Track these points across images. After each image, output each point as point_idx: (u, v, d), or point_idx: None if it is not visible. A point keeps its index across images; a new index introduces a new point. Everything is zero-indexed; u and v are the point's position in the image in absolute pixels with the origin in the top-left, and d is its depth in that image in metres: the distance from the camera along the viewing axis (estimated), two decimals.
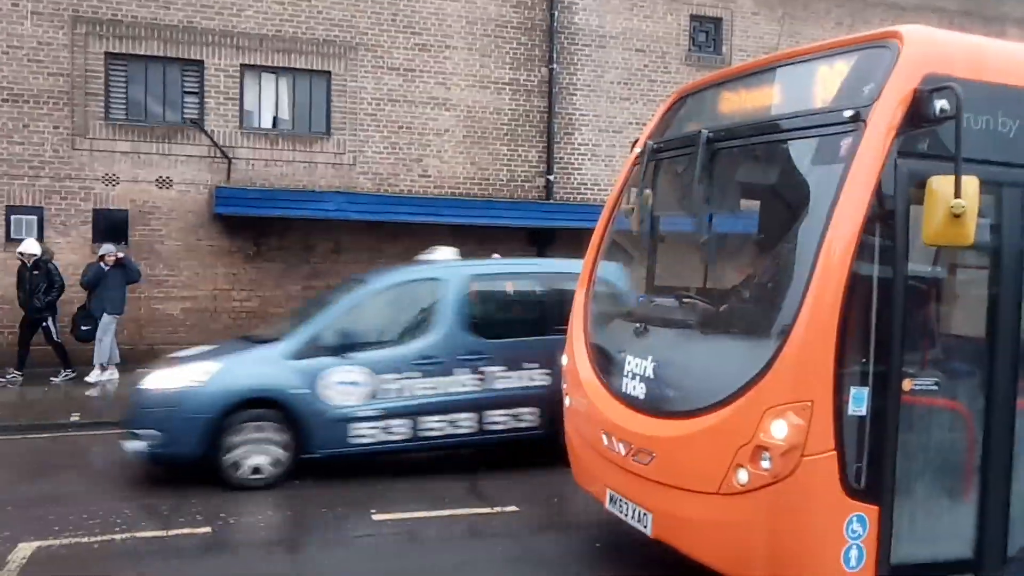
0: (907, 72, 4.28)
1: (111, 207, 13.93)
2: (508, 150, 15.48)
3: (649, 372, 5.09)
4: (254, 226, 14.43)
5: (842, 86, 4.52)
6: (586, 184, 15.83)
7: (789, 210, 4.65)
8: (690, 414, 4.69)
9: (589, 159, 15.82)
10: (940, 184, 4.08)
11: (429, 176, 15.20)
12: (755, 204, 5.60)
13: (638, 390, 5.17)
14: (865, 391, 4.23)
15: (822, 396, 4.17)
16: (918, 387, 4.36)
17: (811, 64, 4.79)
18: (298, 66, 14.70)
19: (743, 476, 4.32)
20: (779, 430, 4.19)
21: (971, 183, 4.05)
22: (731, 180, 5.44)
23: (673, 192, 5.88)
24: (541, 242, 15.51)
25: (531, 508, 6.99)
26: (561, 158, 15.65)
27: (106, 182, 13.87)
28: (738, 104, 5.35)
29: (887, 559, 4.30)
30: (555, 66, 15.43)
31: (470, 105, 15.28)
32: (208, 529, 6.41)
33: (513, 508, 6.99)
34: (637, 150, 6.17)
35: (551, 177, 15.53)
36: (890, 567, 4.31)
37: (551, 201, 15.47)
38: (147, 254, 14.11)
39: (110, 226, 13.90)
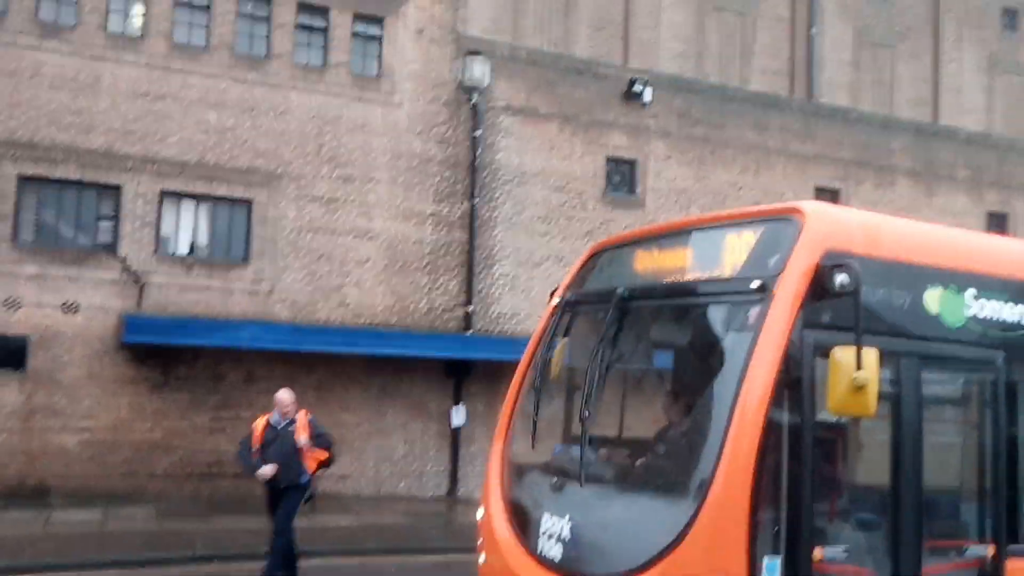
0: (809, 247, 4.51)
1: (8, 333, 13.35)
2: (428, 280, 15.59)
3: (565, 532, 5.02)
4: (163, 354, 14.03)
5: (749, 256, 4.73)
6: (505, 315, 15.98)
7: (700, 372, 4.77)
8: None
9: (508, 291, 16.04)
10: (843, 355, 4.24)
11: (348, 305, 15.13)
12: (671, 361, 5.71)
13: (555, 551, 5.07)
14: (777, 560, 4.25)
15: (736, 568, 4.16)
16: (828, 556, 4.40)
17: (721, 231, 5.01)
18: (220, 193, 14.68)
19: None
20: None
21: (871, 355, 4.22)
22: (644, 337, 5.57)
23: (588, 345, 5.97)
24: (458, 374, 15.47)
25: None
26: (480, 290, 15.83)
27: (6, 306, 13.35)
28: (652, 264, 5.53)
29: None
30: (476, 200, 15.79)
31: (392, 235, 15.44)
32: None
33: None
34: (555, 301, 6.28)
35: (470, 308, 15.64)
36: None
37: (470, 332, 15.54)
38: (46, 382, 13.51)
39: (7, 353, 13.30)
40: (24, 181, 13.63)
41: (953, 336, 4.85)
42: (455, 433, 15.40)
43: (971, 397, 5.06)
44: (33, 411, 13.46)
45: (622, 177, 16.99)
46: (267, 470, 8.64)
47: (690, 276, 5.11)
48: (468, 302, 15.68)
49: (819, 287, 4.44)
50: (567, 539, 5.01)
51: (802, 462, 4.34)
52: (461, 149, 15.93)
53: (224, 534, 11.15)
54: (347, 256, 15.19)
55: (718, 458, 4.26)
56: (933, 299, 4.81)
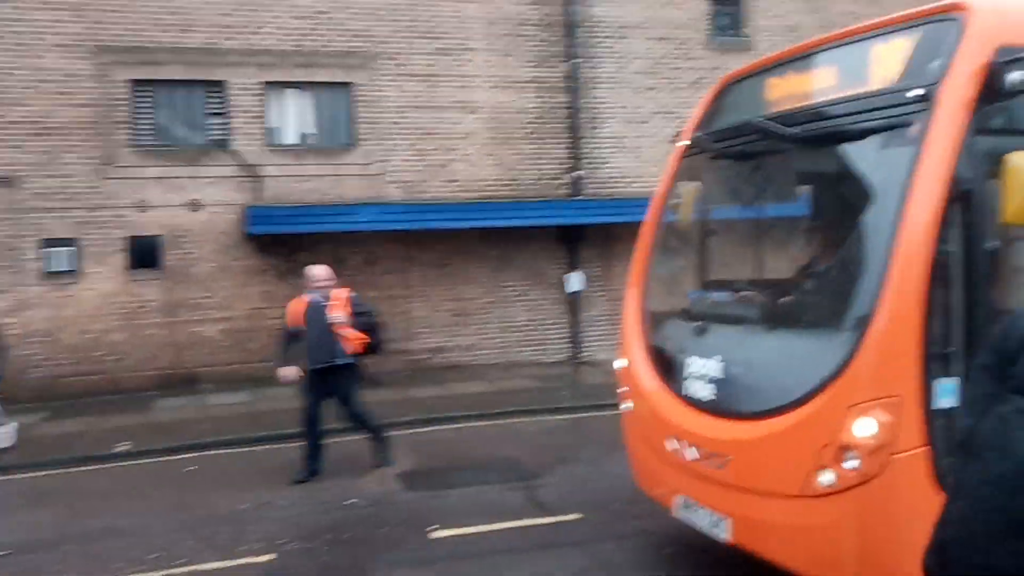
0: (977, 45, 4.06)
1: (144, 233, 13.90)
2: (534, 149, 15.29)
3: (717, 372, 4.90)
4: (286, 243, 14.36)
5: (904, 65, 4.31)
6: (615, 178, 15.61)
7: (857, 197, 4.44)
8: (766, 414, 4.49)
9: (617, 152, 15.60)
10: (1020, 160, 3.86)
11: (457, 181, 15.05)
12: (815, 192, 5.37)
13: (706, 391, 4.98)
14: (953, 381, 4.01)
15: (910, 390, 3.96)
16: None
17: (865, 43, 4.57)
18: (320, 79, 14.59)
19: (828, 477, 4.12)
20: (866, 428, 3.99)
21: None
22: (789, 169, 5.23)
23: (725, 184, 5.69)
24: (571, 240, 15.32)
25: (593, 515, 6.81)
26: (588, 153, 15.44)
27: (137, 209, 13.85)
28: (789, 90, 5.14)
29: None
30: (577, 60, 15.21)
31: (494, 106, 15.12)
32: (271, 556, 6.30)
33: (575, 516, 6.83)
34: (684, 142, 5.97)
35: (579, 173, 15.32)
36: None
37: (580, 198, 15.27)
38: (182, 278, 14.08)
39: (144, 253, 13.89)
40: (134, 85, 13.85)
41: None
42: (573, 299, 15.40)
43: None
44: (174, 306, 14.10)
45: (728, 18, 15.99)
46: (288, 372, 8.30)
47: (836, 96, 4.71)
48: (577, 167, 15.35)
49: (992, 88, 4.01)
50: (719, 378, 4.89)
51: (978, 281, 4.04)
52: (556, 7, 15.25)
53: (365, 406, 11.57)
54: (451, 131, 15.00)
55: (884, 281, 4.00)
56: None
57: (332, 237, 14.33)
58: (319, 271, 8.52)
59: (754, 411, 4.60)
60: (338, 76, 14.65)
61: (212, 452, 9.98)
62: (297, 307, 8.48)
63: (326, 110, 14.83)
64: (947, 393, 4.01)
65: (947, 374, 4.01)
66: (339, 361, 8.18)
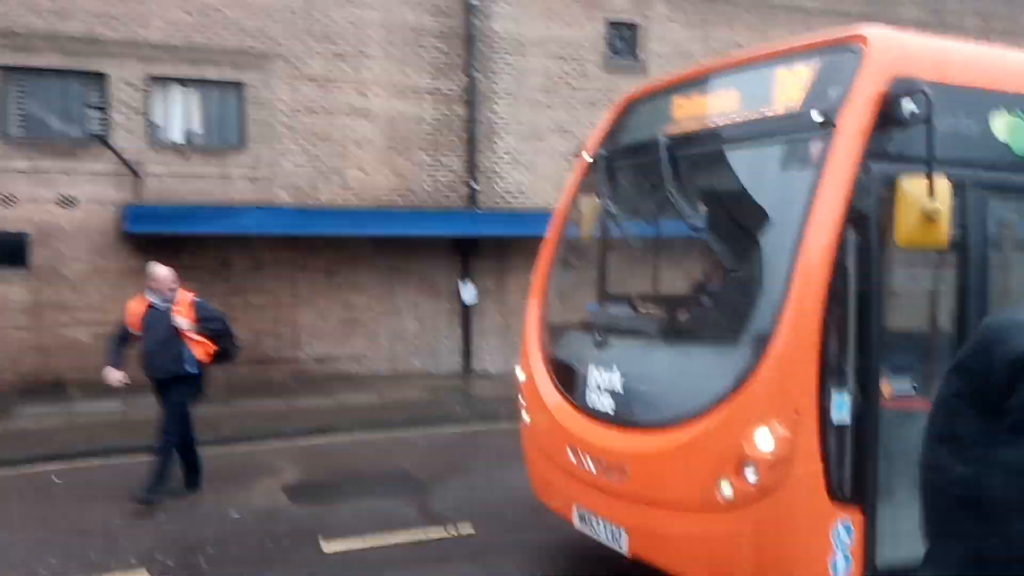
0: (874, 75, 4.24)
1: (9, 229, 13.02)
2: (431, 158, 15.19)
3: (617, 385, 4.92)
4: (166, 244, 13.69)
5: (806, 90, 4.45)
6: (510, 191, 15.67)
7: (757, 217, 4.55)
8: (666, 427, 4.54)
9: (513, 166, 15.66)
10: (912, 186, 4.03)
11: (350, 188, 14.78)
12: (716, 211, 5.49)
13: (606, 404, 5.00)
14: (847, 397, 4.15)
15: (807, 405, 4.07)
16: (897, 390, 4.32)
17: (768, 68, 4.71)
18: (209, 77, 14.07)
19: (727, 490, 4.19)
20: (765, 442, 4.07)
21: (943, 185, 4.02)
22: (691, 187, 5.32)
23: (627, 200, 5.75)
24: (465, 252, 15.28)
25: (487, 528, 6.74)
26: (485, 166, 15.45)
27: (3, 203, 12.97)
28: (692, 110, 5.24)
29: (872, 564, 4.24)
30: (475, 73, 15.22)
31: (390, 114, 14.94)
32: (145, 574, 5.94)
33: (469, 528, 6.73)
34: (587, 157, 6.01)
35: (475, 185, 15.31)
36: (876, 571, 4.25)
37: (475, 210, 15.25)
38: (51, 278, 13.27)
39: (8, 250, 13.00)
40: (4, 72, 13.00)
41: (1018, 162, 4.62)
42: (466, 310, 15.34)
43: None
44: (41, 307, 13.28)
45: (624, 42, 16.35)
46: (112, 376, 7.55)
47: (738, 118, 4.83)
48: (472, 179, 15.33)
49: (887, 116, 4.18)
50: (619, 391, 4.91)
51: (871, 301, 4.20)
52: (456, 19, 15.23)
53: (248, 416, 11.18)
54: (346, 137, 14.73)
55: (785, 299, 4.11)
56: (1001, 126, 4.57)
57: (218, 240, 13.81)
58: (161, 272, 7.63)
59: (654, 423, 4.64)
60: (228, 75, 14.16)
61: (81, 463, 9.39)
62: (137, 308, 7.70)
63: (215, 109, 14.31)
64: (842, 408, 4.15)
65: (843, 390, 4.15)
66: (187, 369, 7.45)
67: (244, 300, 14.08)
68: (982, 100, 4.52)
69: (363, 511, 7.26)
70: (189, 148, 14.07)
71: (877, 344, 4.19)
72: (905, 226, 4.05)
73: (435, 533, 6.67)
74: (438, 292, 15.36)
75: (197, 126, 14.27)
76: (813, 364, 4.07)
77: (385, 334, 15.07)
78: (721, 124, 4.96)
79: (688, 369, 4.70)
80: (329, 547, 6.36)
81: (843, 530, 4.16)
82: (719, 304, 4.92)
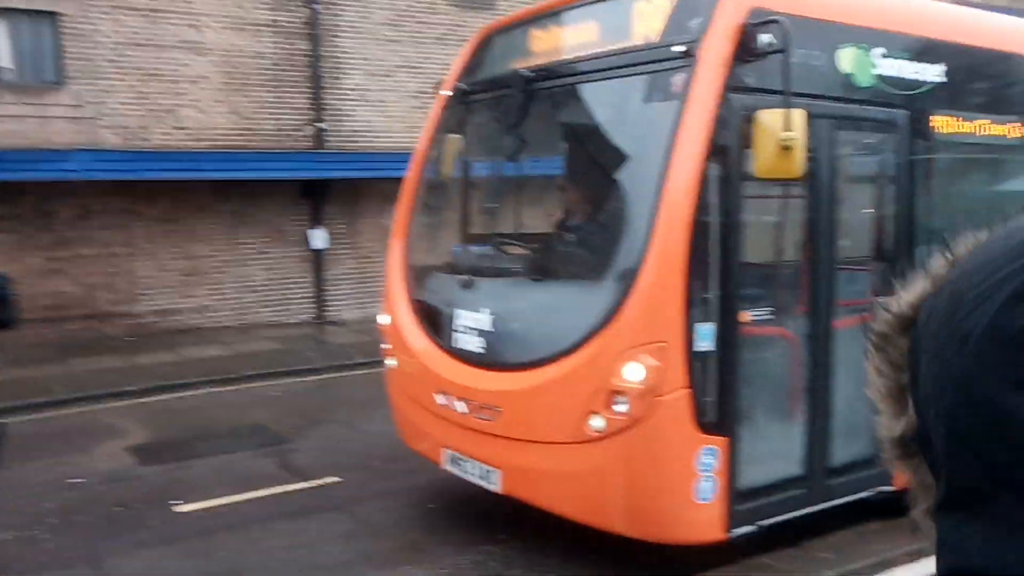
0: (733, 6, 4.29)
1: None
2: (273, 97, 14.46)
3: (485, 325, 4.88)
4: None
5: (666, 21, 4.46)
6: (359, 132, 15.19)
7: (620, 150, 4.57)
8: (537, 364, 4.54)
9: (361, 105, 15.16)
10: (769, 117, 4.13)
11: (185, 128, 13.89)
12: (580, 146, 5.49)
13: (475, 344, 4.95)
14: (710, 327, 4.27)
15: (674, 335, 4.17)
16: (755, 317, 4.48)
17: (623, 3, 4.69)
18: (17, 5, 12.78)
19: (598, 422, 4.25)
20: (634, 373, 4.15)
21: (798, 116, 4.13)
22: (552, 121, 5.29)
23: (489, 136, 5.65)
24: (314, 195, 14.76)
25: (353, 477, 6.63)
26: (331, 104, 14.87)
27: None
28: (552, 43, 5.17)
29: (735, 486, 4.43)
30: (317, 6, 14.54)
31: (226, 49, 14.06)
32: None
33: (334, 479, 6.60)
34: (445, 92, 5.85)
35: (322, 125, 14.74)
36: (737, 494, 4.45)
37: (323, 151, 14.72)
38: None
39: None
40: None
41: (864, 96, 4.84)
42: (317, 256, 14.89)
43: (878, 159, 5.14)
44: None
45: None
46: None
47: (599, 50, 4.80)
48: (319, 118, 14.75)
49: (745, 48, 4.25)
50: (489, 331, 4.88)
51: (732, 232, 4.31)
52: None
53: (83, 376, 10.48)
54: (178, 74, 13.78)
55: (650, 232, 4.15)
56: (847, 58, 4.74)
57: (38, 187, 12.72)
58: None
59: (525, 362, 4.64)
60: (39, 3, 12.90)
61: None
62: None
63: (26, 42, 13.03)
64: (707, 338, 4.27)
65: (706, 320, 4.26)
66: None
67: (72, 252, 13.11)
68: (834, 33, 4.67)
69: (218, 469, 6.96)
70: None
71: (737, 273, 4.32)
72: (763, 157, 4.15)
73: (298, 486, 6.49)
74: (287, 239, 14.81)
75: (6, 61, 12.97)
76: (679, 296, 4.15)
77: (231, 284, 14.42)
78: (581, 57, 4.92)
79: (557, 307, 4.71)
80: (183, 508, 6.08)
81: (708, 456, 4.31)
82: (586, 241, 4.94)
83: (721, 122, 4.23)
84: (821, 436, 4.82)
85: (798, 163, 4.15)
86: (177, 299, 14.01)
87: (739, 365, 4.39)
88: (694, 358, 4.22)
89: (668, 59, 4.34)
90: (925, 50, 5.08)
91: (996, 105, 5.57)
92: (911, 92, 5.02)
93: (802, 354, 4.76)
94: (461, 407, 4.93)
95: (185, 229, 13.97)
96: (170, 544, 5.49)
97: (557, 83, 5.00)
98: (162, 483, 6.62)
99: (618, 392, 4.18)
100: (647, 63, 4.49)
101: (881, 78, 4.88)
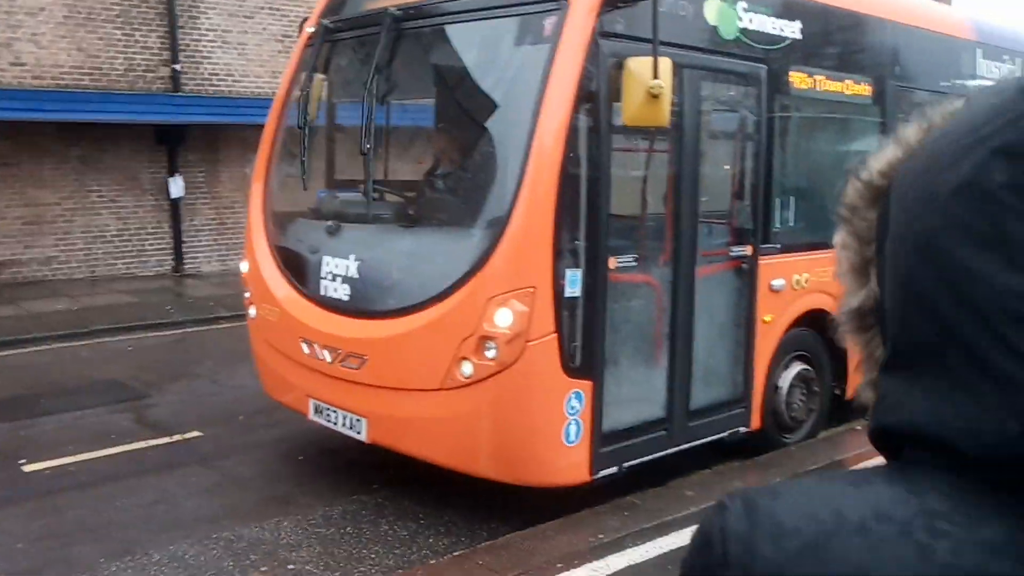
0: None
1: None
2: (123, 34, 13.64)
3: (352, 272, 4.84)
4: None
5: None
6: (218, 75, 14.55)
7: (491, 95, 4.58)
8: (405, 311, 4.55)
9: (219, 47, 14.50)
10: (637, 65, 4.23)
11: (23, 64, 12.93)
12: (450, 88, 5.45)
13: (341, 292, 4.90)
14: (578, 272, 4.38)
15: (542, 281, 4.25)
16: (621, 264, 4.62)
17: None
18: None
19: (467, 368, 4.31)
20: (504, 318, 4.21)
21: (665, 64, 4.25)
22: (422, 63, 5.24)
23: (356, 77, 5.54)
24: (171, 141, 14.09)
25: (216, 431, 6.47)
26: (187, 45, 14.15)
27: None
28: None
29: (600, 429, 4.59)
30: None
31: None
32: None
33: (196, 433, 6.43)
34: (309, 29, 5.68)
35: (177, 67, 14.03)
36: (602, 436, 4.61)
37: (179, 94, 14.03)
38: None
39: None
40: None
41: (727, 48, 5.01)
42: (174, 205, 14.26)
43: (739, 111, 5.35)
44: None
45: None
46: None
47: None
48: (174, 60, 14.02)
49: None
50: (355, 278, 4.84)
51: (600, 180, 4.40)
52: None
53: None
54: (14, 4, 12.79)
55: (521, 179, 4.20)
56: (712, 10, 4.89)
57: None
58: None
59: (392, 309, 4.63)
60: None
61: None
62: None
63: None
64: (575, 283, 4.37)
65: (575, 266, 4.36)
66: None
67: None
68: None
69: (71, 426, 6.65)
70: None
71: (605, 220, 4.43)
72: (631, 105, 4.26)
73: (157, 442, 6.29)
74: (141, 186, 14.10)
75: None
76: (547, 243, 4.23)
77: (80, 234, 13.65)
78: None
79: (425, 253, 4.71)
80: (31, 467, 5.79)
81: (575, 399, 4.45)
82: (455, 187, 4.94)
83: (590, 68, 4.30)
84: (683, 380, 5.04)
85: (665, 112, 4.28)
86: (19, 249, 13.17)
87: (605, 311, 4.52)
88: (562, 304, 4.32)
89: (539, 2, 4.36)
90: (786, 6, 5.30)
91: (851, 65, 5.88)
92: (771, 47, 5.24)
93: (665, 301, 4.95)
94: (327, 355, 4.88)
95: (26, 174, 13.10)
96: (17, 504, 5.24)
97: (426, 23, 4.94)
98: (7, 442, 6.26)
99: (488, 337, 4.24)
100: (518, 5, 4.49)
101: (744, 31, 5.07)
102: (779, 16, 5.26)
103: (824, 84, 5.61)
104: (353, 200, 5.31)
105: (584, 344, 4.45)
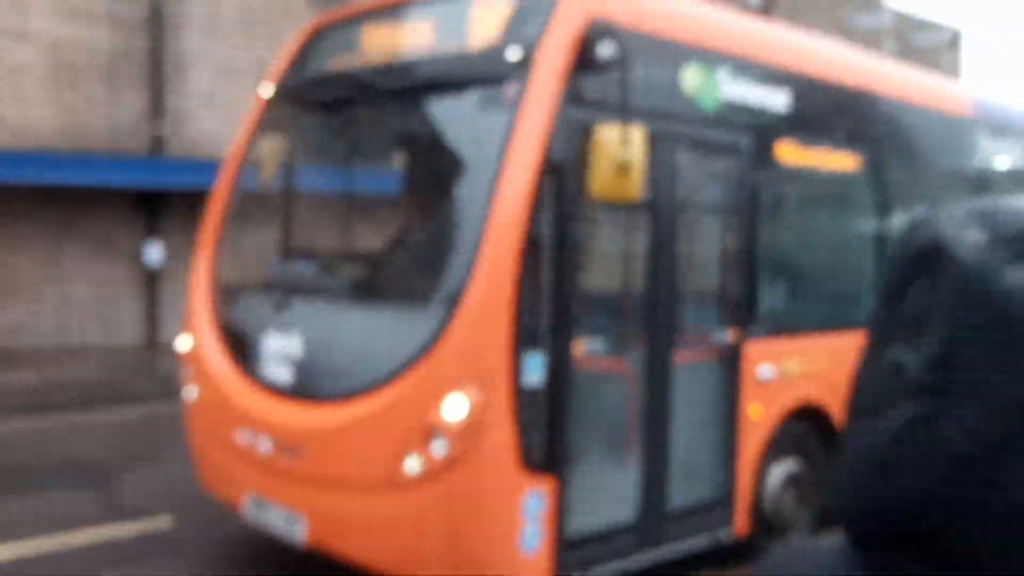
0: (571, 14, 4.14)
1: None
2: (107, 94, 13.62)
3: (297, 352, 4.52)
4: None
5: (503, 26, 4.28)
6: (203, 136, 14.48)
7: (450, 163, 4.33)
8: (349, 398, 4.21)
9: (206, 108, 14.48)
10: (607, 135, 4.00)
11: (4, 122, 12.90)
12: (408, 155, 5.23)
13: (284, 374, 4.58)
14: (540, 360, 4.06)
15: (499, 367, 3.92)
16: (590, 351, 4.31)
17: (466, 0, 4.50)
18: None
19: (415, 464, 3.95)
20: (455, 409, 3.88)
21: (637, 134, 4.01)
22: (382, 128, 5.02)
23: (313, 141, 5.34)
24: (151, 206, 13.95)
25: (189, 519, 6.05)
26: (173, 106, 14.14)
27: None
28: (385, 41, 4.91)
29: (563, 534, 4.21)
30: None
31: (56, 39, 13.15)
32: None
33: (166, 519, 6.05)
34: (267, 91, 5.49)
35: (161, 128, 13.97)
36: (566, 541, 4.23)
37: (163, 157, 13.95)
38: None
39: None
40: None
41: (707, 119, 4.79)
42: (152, 273, 14.05)
43: (722, 185, 5.10)
44: None
45: None
46: None
47: (432, 54, 4.58)
48: (158, 121, 13.99)
49: (583, 59, 4.11)
50: (299, 358, 4.52)
51: (566, 258, 4.12)
52: None
53: None
54: None
55: (476, 254, 3.91)
56: (691, 79, 4.68)
57: None
58: None
59: (337, 394, 4.30)
60: None
61: None
62: None
63: None
64: (536, 371, 4.05)
65: (536, 352, 4.05)
66: None
67: None
68: (676, 51, 4.60)
69: (32, 511, 6.25)
70: None
71: (572, 303, 4.13)
72: (600, 176, 4.00)
73: (127, 530, 5.91)
74: (118, 252, 13.90)
75: None
76: (505, 325, 3.92)
77: (51, 301, 13.40)
78: (414, 59, 4.68)
79: (375, 332, 4.40)
80: None
81: (534, 500, 4.08)
82: (409, 260, 4.68)
83: (556, 137, 4.05)
84: (657, 479, 4.68)
85: (636, 184, 4.03)
86: None
87: (571, 401, 4.19)
88: (521, 393, 3.99)
89: (502, 67, 4.14)
90: (773, 77, 5.10)
91: (842, 139, 5.66)
92: (758, 119, 5.01)
93: (638, 390, 4.61)
94: (265, 445, 4.53)
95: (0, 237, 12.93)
96: None
97: (388, 87, 4.73)
98: None
99: (436, 430, 3.90)
100: (480, 69, 4.28)
101: (726, 102, 4.85)
102: (766, 86, 5.04)
103: (813, 158, 5.37)
104: (302, 272, 5.03)
105: (546, 438, 4.11)
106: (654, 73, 4.49)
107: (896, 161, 6.05)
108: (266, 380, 4.65)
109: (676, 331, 4.71)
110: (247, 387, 4.73)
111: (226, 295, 5.27)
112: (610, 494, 4.55)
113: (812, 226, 5.81)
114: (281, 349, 4.59)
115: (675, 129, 4.63)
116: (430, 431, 3.91)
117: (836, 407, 5.41)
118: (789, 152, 5.22)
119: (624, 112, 3.98)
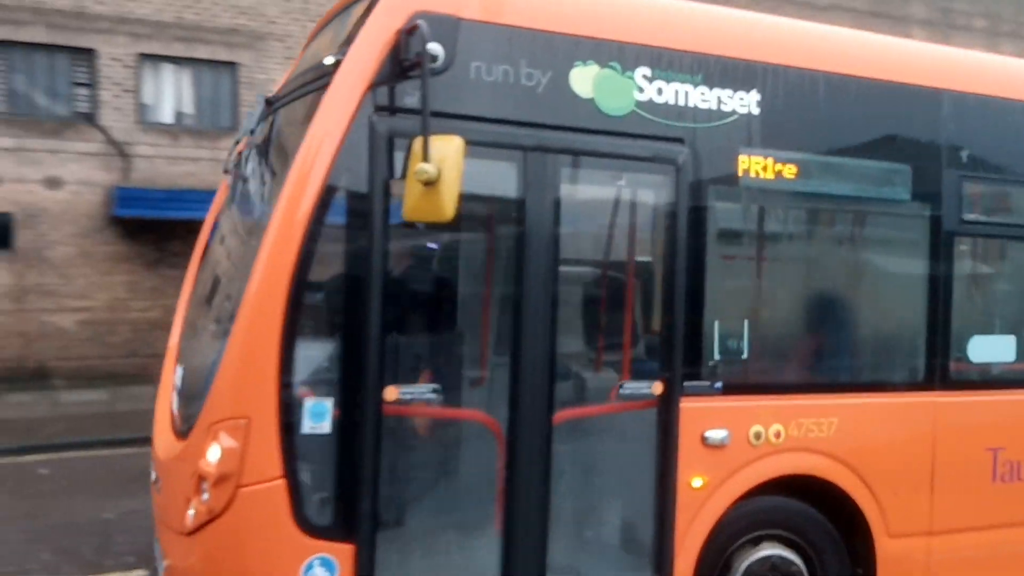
0: (390, 10, 3.77)
1: None
2: None
3: (178, 383, 4.67)
4: (155, 229, 14.40)
5: (345, 34, 4.06)
6: None
7: (261, 189, 4.17)
8: (182, 434, 4.24)
9: None
10: (414, 147, 3.55)
11: None
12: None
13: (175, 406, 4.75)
14: (328, 403, 3.70)
15: (262, 410, 3.64)
16: (409, 396, 3.80)
17: (346, 12, 4.32)
18: (201, 56, 14.68)
19: (191, 511, 3.84)
20: (214, 454, 3.70)
21: (447, 144, 3.49)
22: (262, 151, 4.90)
23: None
24: None
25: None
26: None
27: None
28: (300, 63, 4.91)
29: None
30: None
31: None
32: (143, 572, 5.83)
33: (140, 573, 5.98)
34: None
35: None
36: None
37: None
38: (36, 261, 14.17)
39: None
40: None
41: (613, 127, 3.98)
42: None
43: (639, 205, 4.17)
44: (25, 292, 14.19)
45: None
46: None
47: (305, 67, 4.46)
48: None
49: (395, 60, 3.71)
50: (178, 389, 4.68)
51: (369, 289, 3.71)
52: None
53: None
54: None
55: (245, 286, 3.72)
56: (585, 79, 3.94)
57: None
58: None
59: (180, 429, 4.35)
60: (221, 54, 14.72)
61: (67, 454, 9.71)
62: None
63: (207, 89, 14.91)
64: (321, 416, 3.71)
65: (321, 394, 3.70)
66: None
67: None
68: (560, 47, 3.93)
69: None
70: (179, 129, 14.73)
71: (378, 337, 3.69)
72: (411, 199, 3.56)
73: None
74: None
75: (188, 107, 14.92)
76: (273, 362, 3.62)
77: None
78: (294, 78, 4.60)
79: (212, 365, 4.35)
80: None
81: (322, 568, 3.70)
82: (224, 291, 4.55)
83: (356, 152, 3.68)
84: (531, 556, 3.93)
85: (445, 202, 3.49)
86: None
87: (376, 453, 3.71)
88: (297, 441, 3.66)
89: (322, 75, 3.90)
90: (725, 69, 4.06)
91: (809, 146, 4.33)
92: (697, 124, 4.02)
93: (496, 449, 3.93)
94: (156, 481, 4.70)
95: None
96: None
97: (281, 103, 4.63)
98: None
99: (203, 477, 3.75)
100: (314, 80, 4.06)
101: (647, 104, 3.98)
102: (711, 84, 4.03)
103: (774, 170, 4.11)
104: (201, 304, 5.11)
105: (339, 496, 3.72)
106: (521, 73, 3.86)
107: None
108: (171, 413, 4.83)
109: (551, 378, 3.92)
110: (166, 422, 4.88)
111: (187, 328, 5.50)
112: (433, 564, 3.93)
113: (772, 256, 4.48)
114: (177, 381, 4.77)
115: (553, 140, 3.92)
116: (200, 477, 3.77)
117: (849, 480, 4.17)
118: (746, 164, 4.08)
119: (426, 115, 3.49)
